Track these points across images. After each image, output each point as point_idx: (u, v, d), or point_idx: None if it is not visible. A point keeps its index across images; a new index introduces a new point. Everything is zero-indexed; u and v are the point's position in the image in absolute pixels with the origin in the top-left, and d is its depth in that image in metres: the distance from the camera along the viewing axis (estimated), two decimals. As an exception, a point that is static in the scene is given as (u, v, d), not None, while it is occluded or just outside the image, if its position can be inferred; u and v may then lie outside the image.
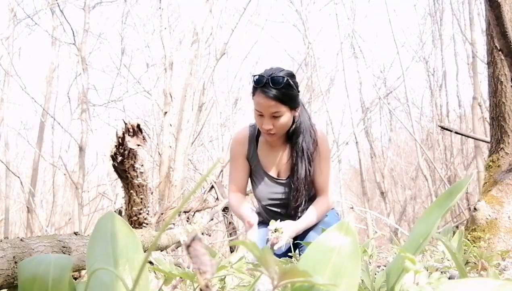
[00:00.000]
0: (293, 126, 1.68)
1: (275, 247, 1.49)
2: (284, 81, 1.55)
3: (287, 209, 1.74)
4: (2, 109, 7.41)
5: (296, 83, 1.62)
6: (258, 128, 1.75)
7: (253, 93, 1.62)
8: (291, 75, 1.62)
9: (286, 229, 1.54)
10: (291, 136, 1.71)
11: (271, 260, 0.39)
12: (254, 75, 1.61)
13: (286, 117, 1.60)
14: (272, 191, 1.75)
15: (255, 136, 1.77)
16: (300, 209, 1.71)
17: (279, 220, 1.56)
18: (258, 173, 1.77)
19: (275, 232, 1.50)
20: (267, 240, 1.55)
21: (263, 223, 1.92)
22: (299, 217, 1.71)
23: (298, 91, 1.65)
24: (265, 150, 1.76)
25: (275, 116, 1.58)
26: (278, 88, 1.54)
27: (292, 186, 1.69)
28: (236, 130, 1.87)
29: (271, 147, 1.75)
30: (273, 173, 1.75)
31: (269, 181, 1.75)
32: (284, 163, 1.74)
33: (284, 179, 1.74)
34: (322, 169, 1.71)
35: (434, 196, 7.14)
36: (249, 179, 1.84)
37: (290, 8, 10.81)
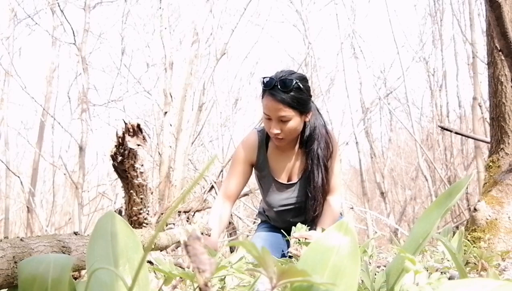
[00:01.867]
0: (306, 132, 1.64)
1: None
2: (293, 84, 1.50)
3: (300, 212, 1.72)
4: (2, 109, 7.41)
5: (307, 88, 1.57)
6: (267, 133, 1.71)
7: (262, 96, 1.58)
8: (302, 79, 1.56)
9: (314, 237, 1.44)
10: (306, 143, 1.66)
11: (270, 260, 0.40)
12: (264, 78, 1.56)
13: (294, 122, 1.55)
14: (283, 197, 1.72)
15: (264, 141, 1.72)
16: (318, 218, 1.68)
17: (306, 227, 1.45)
18: (268, 180, 1.73)
19: (299, 243, 1.36)
20: (288, 246, 1.47)
21: (266, 222, 1.92)
22: (315, 223, 1.67)
23: (310, 96, 1.60)
24: (275, 155, 1.72)
25: (283, 121, 1.54)
26: (287, 91, 1.50)
27: (309, 195, 1.65)
28: (244, 135, 1.80)
29: (282, 151, 1.71)
30: (283, 179, 1.72)
31: (280, 188, 1.72)
32: (296, 167, 1.71)
33: (295, 181, 1.71)
34: (332, 168, 1.69)
35: (434, 196, 7.13)
36: (258, 185, 1.81)
37: (290, 8, 10.81)
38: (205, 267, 0.32)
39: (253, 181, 1.92)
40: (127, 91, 7.75)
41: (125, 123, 1.01)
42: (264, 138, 1.72)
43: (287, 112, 1.52)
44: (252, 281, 0.74)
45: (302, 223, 1.65)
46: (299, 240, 1.38)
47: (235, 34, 6.90)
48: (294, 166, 1.72)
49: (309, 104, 1.61)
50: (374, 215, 5.94)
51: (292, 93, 1.51)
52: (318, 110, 1.72)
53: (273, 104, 1.52)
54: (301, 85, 1.53)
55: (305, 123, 1.64)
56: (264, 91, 1.57)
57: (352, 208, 5.09)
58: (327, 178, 1.66)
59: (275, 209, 1.75)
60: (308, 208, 1.68)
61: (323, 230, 1.55)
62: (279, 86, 1.50)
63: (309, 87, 1.61)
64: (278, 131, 1.56)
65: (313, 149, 1.64)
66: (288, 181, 1.73)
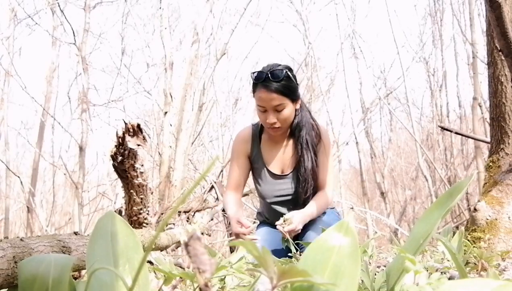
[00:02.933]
0: (295, 120, 1.71)
1: (288, 234, 1.46)
2: (284, 74, 1.59)
3: (293, 204, 1.75)
4: (3, 109, 7.41)
5: (294, 76, 1.67)
6: (260, 126, 1.78)
7: (254, 90, 1.66)
8: (289, 69, 1.66)
9: (296, 217, 1.54)
10: (294, 131, 1.73)
11: (270, 260, 0.40)
12: (253, 72, 1.64)
13: (288, 109, 1.64)
14: (276, 188, 1.76)
15: (257, 134, 1.79)
16: (309, 201, 1.72)
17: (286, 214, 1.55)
18: (261, 171, 1.78)
19: (284, 222, 1.48)
20: (282, 237, 1.53)
21: (265, 222, 1.92)
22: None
23: (297, 84, 1.69)
24: (268, 147, 1.77)
25: (278, 110, 1.62)
26: (279, 80, 1.58)
27: (300, 178, 1.70)
28: (239, 130, 1.88)
29: (274, 143, 1.77)
30: (276, 170, 1.76)
31: (273, 178, 1.76)
32: (288, 158, 1.76)
33: (288, 173, 1.75)
34: (323, 163, 1.73)
35: (434, 196, 7.13)
36: (252, 177, 1.85)
37: (290, 8, 10.80)
38: (205, 267, 0.32)
39: (251, 180, 1.95)
40: (127, 91, 7.75)
41: (125, 124, 1.01)
42: (257, 131, 1.80)
43: (281, 100, 1.61)
44: (252, 281, 0.73)
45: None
46: (284, 220, 1.49)
47: (235, 34, 6.92)
48: (286, 157, 1.77)
49: (298, 92, 1.69)
50: (374, 215, 5.94)
51: (283, 82, 1.60)
52: (303, 101, 1.79)
53: (267, 95, 1.60)
54: (290, 74, 1.62)
55: (295, 111, 1.71)
56: (255, 85, 1.64)
57: (352, 208, 5.08)
58: (317, 162, 1.71)
59: (268, 200, 1.78)
60: (299, 190, 1.71)
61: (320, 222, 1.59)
62: (270, 77, 1.59)
63: (295, 75, 1.70)
64: (274, 120, 1.63)
65: (302, 135, 1.71)
66: (281, 173, 1.77)
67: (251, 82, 1.67)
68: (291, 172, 1.75)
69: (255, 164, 1.79)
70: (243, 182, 1.80)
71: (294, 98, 1.65)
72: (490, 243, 1.28)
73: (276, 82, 1.59)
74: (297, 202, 1.74)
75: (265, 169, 1.77)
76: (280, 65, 1.66)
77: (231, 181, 1.79)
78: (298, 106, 1.70)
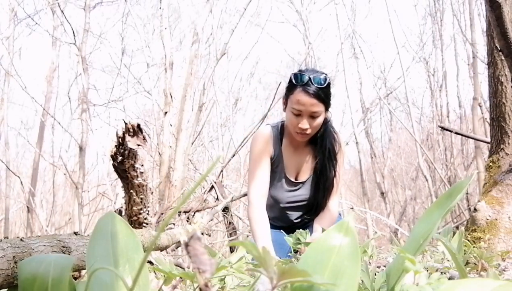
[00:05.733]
0: (321, 128, 1.66)
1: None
2: (327, 80, 1.55)
3: (306, 210, 1.75)
4: (3, 109, 7.41)
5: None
6: (280, 130, 1.73)
7: (291, 91, 1.59)
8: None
9: None
10: (316, 139, 1.69)
11: (270, 260, 0.40)
12: (295, 73, 1.58)
13: (322, 117, 1.59)
14: (291, 194, 1.74)
15: (278, 136, 1.73)
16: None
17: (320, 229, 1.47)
18: (278, 176, 1.74)
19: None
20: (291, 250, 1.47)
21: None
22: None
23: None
24: (288, 151, 1.73)
25: (313, 116, 1.56)
26: (321, 87, 1.53)
27: (321, 186, 1.69)
28: (259, 129, 1.79)
29: (294, 149, 1.73)
30: (292, 176, 1.74)
31: (289, 184, 1.74)
32: (305, 165, 1.73)
33: (304, 181, 1.73)
34: (338, 172, 1.72)
35: (434, 196, 7.13)
36: None
37: (290, 8, 10.80)
38: (205, 267, 0.32)
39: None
40: (127, 91, 7.76)
41: (125, 123, 1.01)
42: (278, 134, 1.74)
43: (320, 107, 1.55)
44: (252, 281, 0.73)
45: (304, 223, 1.68)
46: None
47: (235, 34, 6.91)
48: (304, 164, 1.74)
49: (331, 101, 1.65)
50: (374, 215, 5.94)
51: (325, 89, 1.55)
52: None
53: (308, 100, 1.53)
54: (329, 82, 1.57)
55: (324, 119, 1.66)
56: (294, 86, 1.57)
57: (352, 208, 5.08)
58: (336, 170, 1.71)
59: (281, 205, 1.76)
60: (319, 199, 1.70)
61: (323, 230, 1.56)
62: (313, 82, 1.53)
63: None
64: (307, 126, 1.57)
65: (325, 143, 1.68)
66: (295, 179, 1.74)
67: (289, 82, 1.59)
68: (308, 179, 1.73)
69: (274, 166, 1.73)
70: (268, 187, 1.69)
71: (328, 107, 1.60)
72: (490, 243, 1.28)
73: (319, 88, 1.52)
74: (311, 207, 1.73)
75: (283, 174, 1.73)
76: (318, 70, 1.60)
77: (257, 187, 1.65)
78: (327, 114, 1.65)
